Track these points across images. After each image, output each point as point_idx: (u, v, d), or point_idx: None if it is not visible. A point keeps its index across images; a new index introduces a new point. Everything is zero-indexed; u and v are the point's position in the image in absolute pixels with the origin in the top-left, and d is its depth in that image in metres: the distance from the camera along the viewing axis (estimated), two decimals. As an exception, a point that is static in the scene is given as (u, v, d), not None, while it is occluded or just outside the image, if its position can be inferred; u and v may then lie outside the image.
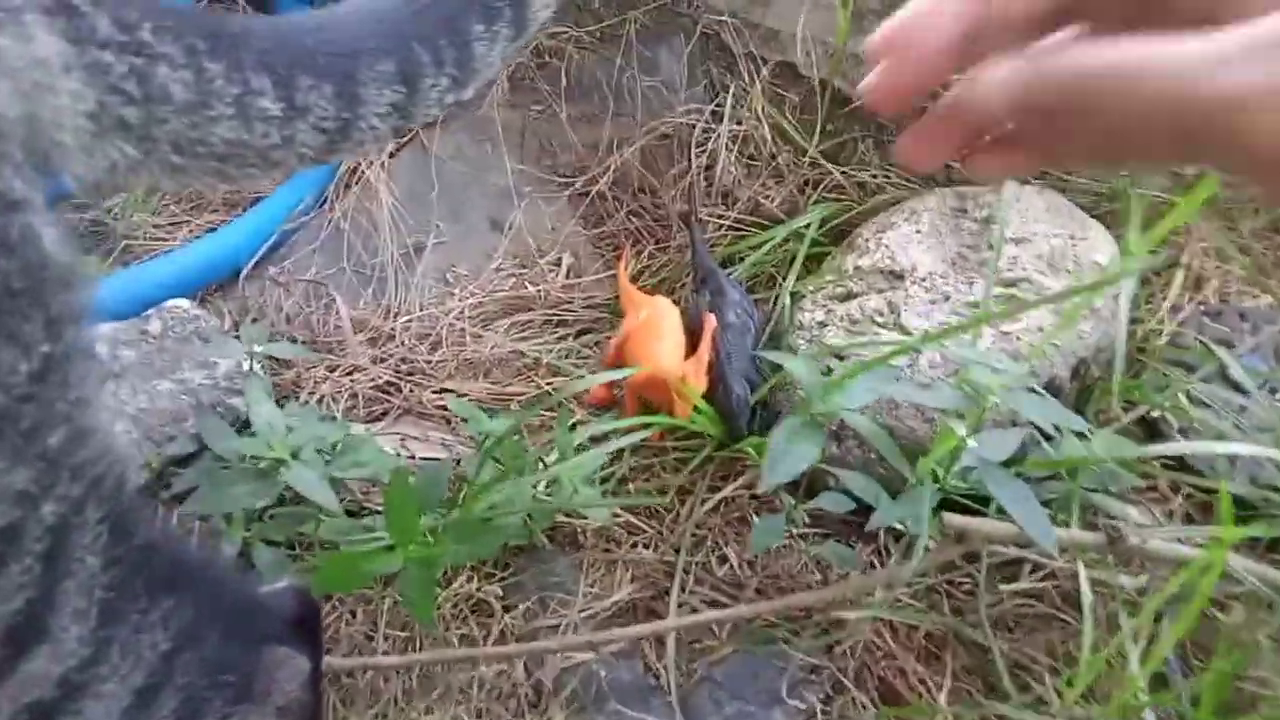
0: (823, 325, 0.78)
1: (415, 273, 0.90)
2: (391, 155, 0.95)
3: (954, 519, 0.65)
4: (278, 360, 0.77)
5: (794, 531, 0.71)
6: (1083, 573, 0.66)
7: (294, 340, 0.81)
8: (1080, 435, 0.68)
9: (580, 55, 1.02)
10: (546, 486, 0.67)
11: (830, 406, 0.61)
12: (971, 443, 0.60)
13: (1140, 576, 0.69)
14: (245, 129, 0.38)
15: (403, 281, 0.89)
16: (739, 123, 0.97)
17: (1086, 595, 0.66)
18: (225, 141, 0.37)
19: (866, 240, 0.84)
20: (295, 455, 0.61)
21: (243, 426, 0.73)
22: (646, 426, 0.67)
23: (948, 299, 0.76)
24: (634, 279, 0.89)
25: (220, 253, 0.84)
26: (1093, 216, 0.86)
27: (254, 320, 0.82)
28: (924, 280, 0.78)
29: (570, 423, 0.72)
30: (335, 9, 0.43)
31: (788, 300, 0.82)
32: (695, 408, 0.67)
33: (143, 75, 0.35)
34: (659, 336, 0.71)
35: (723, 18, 0.98)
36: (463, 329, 0.87)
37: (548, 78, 1.02)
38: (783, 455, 0.60)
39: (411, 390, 0.80)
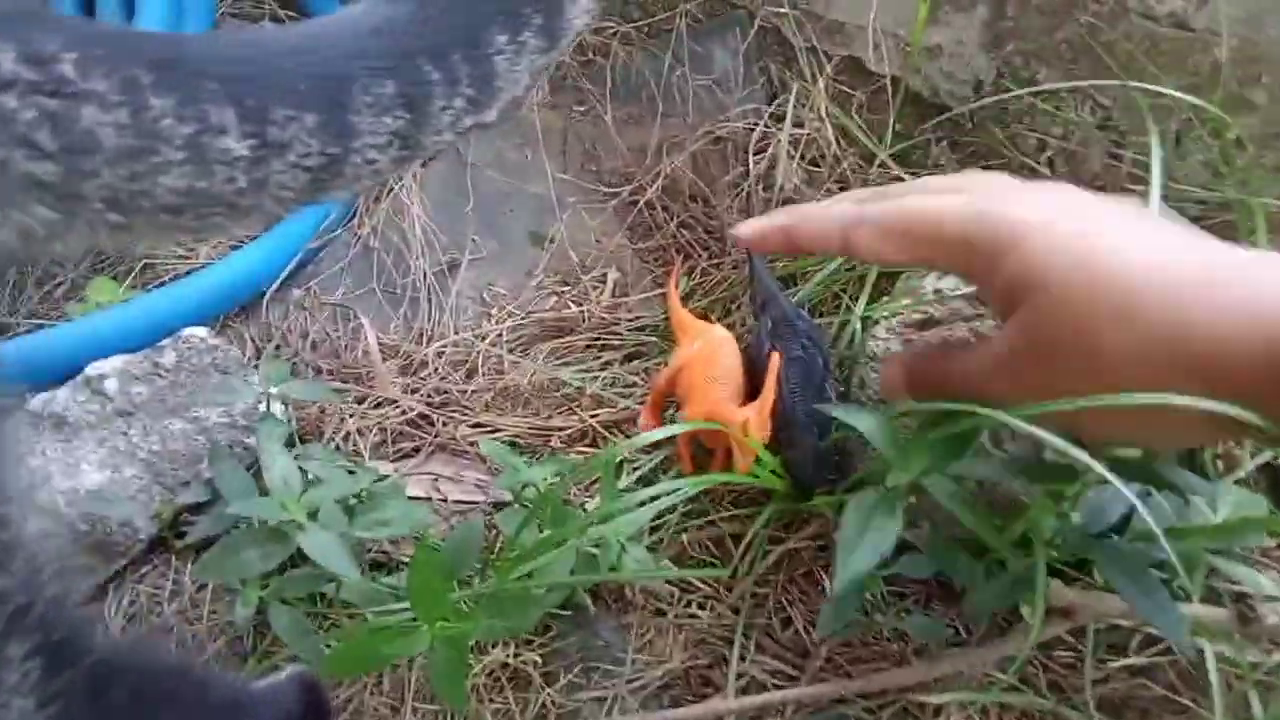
0: (892, 348, 0.70)
1: (450, 293, 0.83)
2: (424, 165, 0.89)
3: (1061, 592, 0.57)
4: (297, 398, 0.71)
5: (869, 596, 0.63)
6: (1209, 652, 0.58)
7: (319, 370, 0.75)
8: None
9: (626, 52, 0.94)
10: (592, 543, 0.61)
11: (910, 474, 0.53)
12: (1074, 515, 0.52)
13: (1274, 654, 0.60)
14: (203, 175, 0.31)
15: (436, 303, 0.82)
16: (800, 125, 0.89)
17: (1214, 678, 0.57)
18: (176, 192, 0.31)
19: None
20: (313, 515, 0.55)
21: (259, 469, 0.68)
22: (702, 480, 0.59)
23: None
24: (685, 299, 0.82)
25: (242, 275, 0.78)
26: (1203, 227, 0.76)
27: (276, 348, 0.76)
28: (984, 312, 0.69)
29: (616, 460, 0.65)
30: (326, 20, 0.36)
31: (858, 326, 0.74)
32: (757, 458, 0.59)
33: (60, 121, 0.28)
34: (714, 374, 0.64)
35: (782, 9, 0.89)
36: (500, 355, 0.80)
37: (591, 77, 0.95)
38: (857, 542, 0.52)
39: (445, 424, 0.74)
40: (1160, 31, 0.80)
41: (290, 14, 1.03)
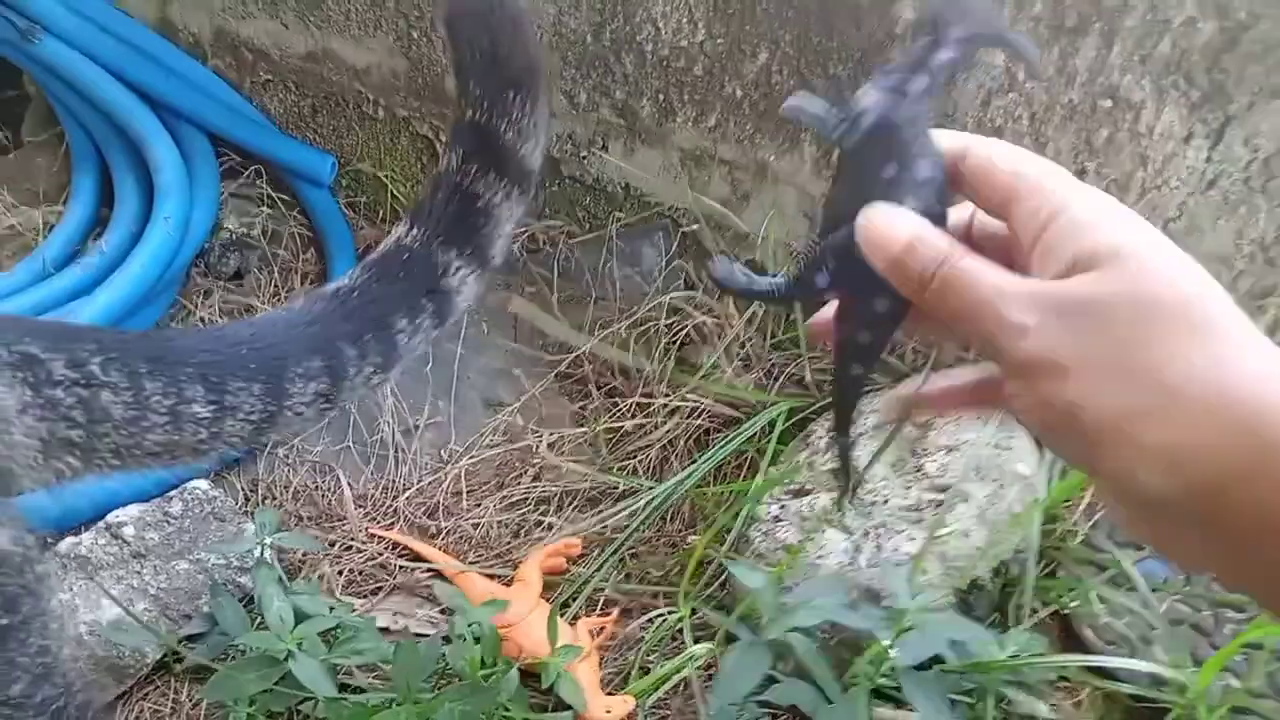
0: (778, 520, 0.90)
1: (412, 450, 1.02)
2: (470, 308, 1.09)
3: (883, 713, 0.76)
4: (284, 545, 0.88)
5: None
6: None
7: (300, 518, 0.92)
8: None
9: (569, 246, 1.17)
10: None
11: (780, 630, 0.73)
12: (893, 652, 0.72)
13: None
14: (177, 431, 0.50)
15: (401, 459, 1.01)
16: (710, 311, 1.11)
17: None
18: (158, 443, 0.50)
19: (820, 437, 0.97)
20: (300, 645, 0.72)
21: (249, 601, 0.84)
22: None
23: (886, 502, 0.88)
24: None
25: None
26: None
27: (264, 499, 0.93)
28: (866, 483, 0.90)
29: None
30: (277, 315, 0.56)
31: (754, 494, 0.94)
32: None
33: (88, 403, 0.47)
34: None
35: (698, 223, 1.13)
36: (455, 505, 0.98)
37: (540, 264, 1.17)
38: (733, 677, 0.71)
39: (402, 568, 0.91)
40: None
41: (284, 197, 1.24)
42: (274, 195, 1.23)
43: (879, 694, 0.78)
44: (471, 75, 0.59)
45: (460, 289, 0.60)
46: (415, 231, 0.59)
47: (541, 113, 0.60)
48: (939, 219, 0.37)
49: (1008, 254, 0.37)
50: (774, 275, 0.40)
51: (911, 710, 0.77)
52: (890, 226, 0.36)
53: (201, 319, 1.11)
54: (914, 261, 0.36)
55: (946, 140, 0.38)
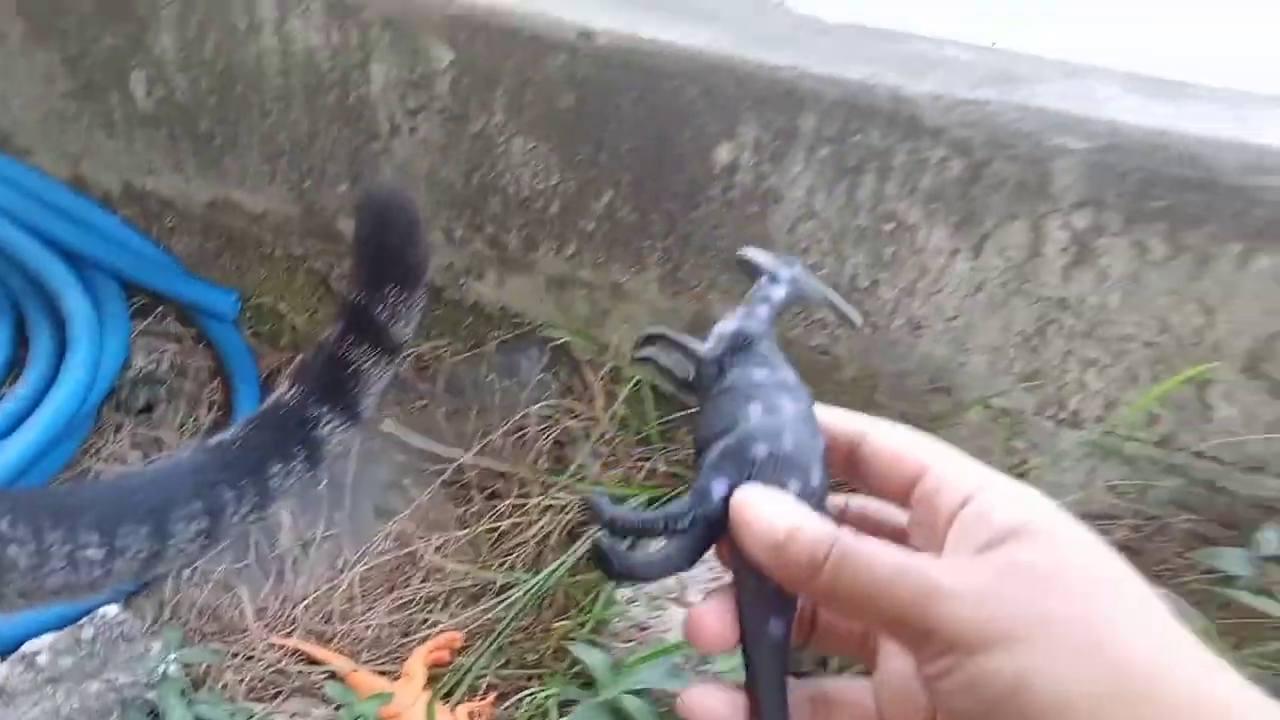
0: (632, 602, 1.03)
1: (309, 561, 1.12)
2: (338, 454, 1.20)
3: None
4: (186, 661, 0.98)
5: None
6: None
7: (204, 635, 1.02)
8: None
9: (453, 363, 1.30)
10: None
11: (612, 694, 0.85)
12: None
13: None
14: (74, 573, 0.61)
15: (299, 571, 1.11)
16: (577, 415, 1.25)
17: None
18: (58, 584, 0.61)
19: (672, 524, 1.10)
20: (202, 751, 0.82)
21: (157, 715, 0.93)
22: None
23: (721, 577, 1.02)
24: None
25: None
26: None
27: (171, 619, 1.03)
28: (706, 560, 1.04)
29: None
30: (164, 465, 0.69)
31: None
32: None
33: None
34: None
35: (568, 336, 1.28)
36: (351, 609, 1.09)
37: (426, 380, 1.30)
38: None
39: (300, 672, 1.01)
40: (810, 357, 1.22)
41: (191, 330, 1.36)
42: (181, 332, 1.35)
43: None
44: (362, 262, 0.73)
45: (330, 438, 0.72)
46: (293, 390, 0.72)
47: (416, 303, 0.74)
48: (814, 454, 0.36)
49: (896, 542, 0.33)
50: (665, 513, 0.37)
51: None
52: (767, 513, 0.33)
53: (112, 453, 1.21)
54: (800, 546, 0.32)
55: (839, 420, 0.37)
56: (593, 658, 0.87)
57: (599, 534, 0.36)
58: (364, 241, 0.72)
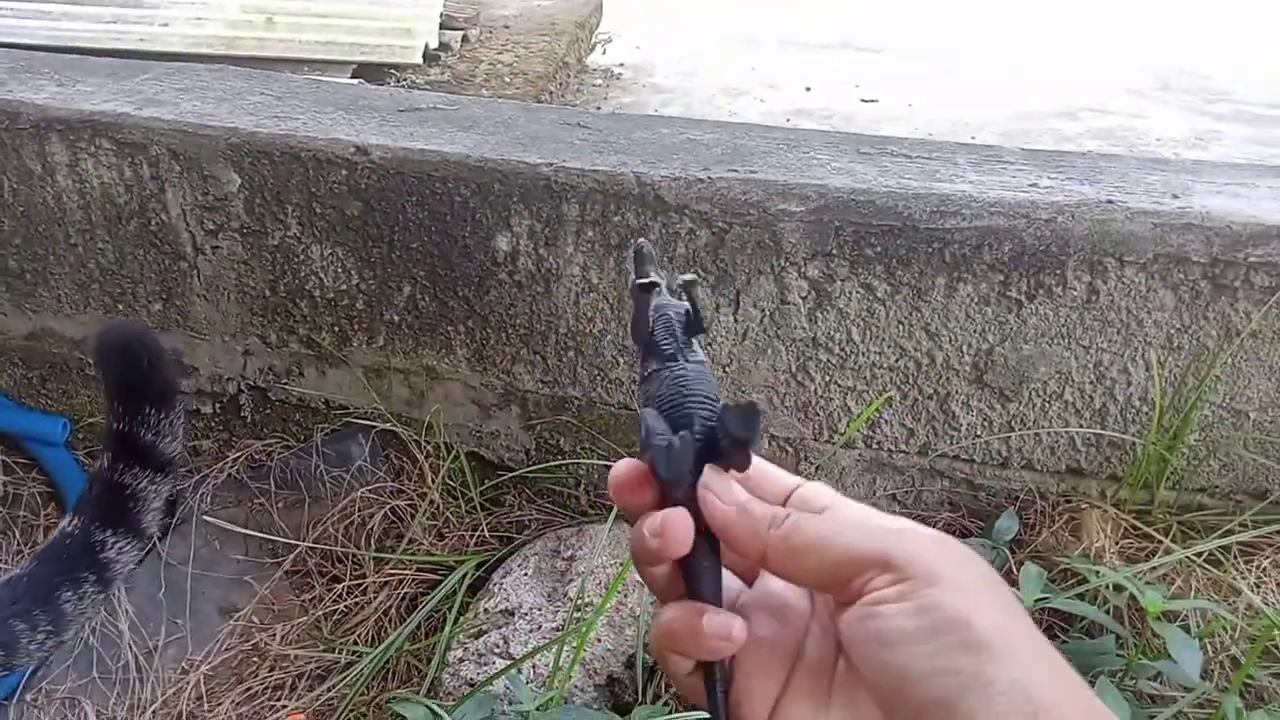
0: (461, 660, 1.15)
1: (154, 666, 1.21)
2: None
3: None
4: (36, 775, 1.05)
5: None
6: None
7: (50, 753, 1.09)
8: None
9: (284, 459, 1.41)
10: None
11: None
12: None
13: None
14: None
15: (144, 678, 1.19)
16: (406, 492, 1.37)
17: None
18: None
19: (494, 585, 1.23)
20: None
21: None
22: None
23: (540, 627, 1.16)
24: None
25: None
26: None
27: (15, 741, 1.10)
28: (527, 614, 1.17)
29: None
30: None
31: (444, 643, 1.19)
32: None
33: None
34: None
35: (391, 422, 1.40)
36: (200, 708, 1.18)
37: (261, 478, 1.40)
38: None
39: (151, 773, 1.10)
40: (610, 412, 1.37)
41: (20, 460, 1.42)
42: (11, 461, 1.41)
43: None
44: (114, 395, 0.84)
45: (119, 558, 0.83)
46: (76, 520, 0.82)
47: (177, 417, 0.85)
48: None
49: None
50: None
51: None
52: (729, 487, 0.41)
53: (-52, 589, 1.27)
54: (761, 507, 0.41)
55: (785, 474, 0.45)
56: (414, 713, 0.98)
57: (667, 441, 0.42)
58: (113, 374, 0.83)
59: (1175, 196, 1.21)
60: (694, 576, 0.43)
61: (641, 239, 0.53)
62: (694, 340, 0.46)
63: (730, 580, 0.45)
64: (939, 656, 0.35)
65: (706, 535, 0.42)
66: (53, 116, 1.29)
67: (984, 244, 1.19)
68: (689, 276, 0.47)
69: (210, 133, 1.27)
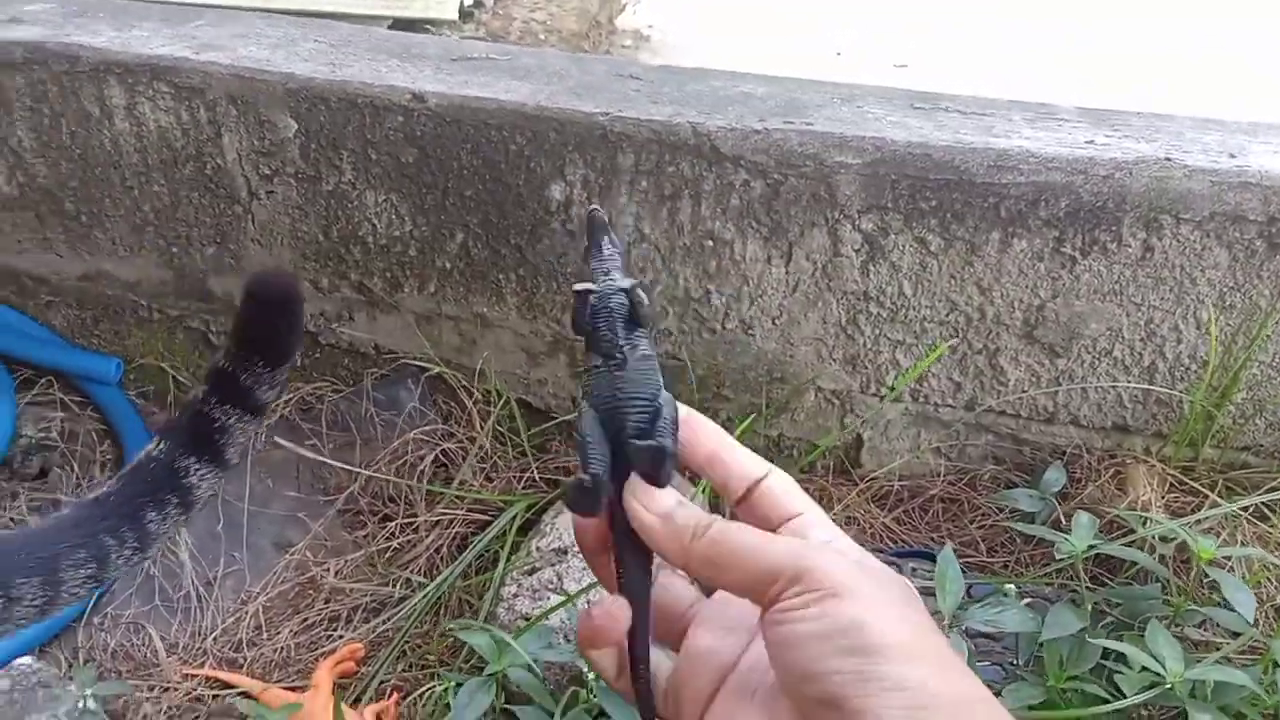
0: (515, 595, 1.20)
1: (214, 597, 1.26)
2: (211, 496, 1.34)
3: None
4: (104, 695, 1.11)
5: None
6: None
7: (119, 673, 1.15)
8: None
9: (334, 401, 1.46)
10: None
11: (498, 668, 1.02)
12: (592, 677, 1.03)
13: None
14: None
15: (205, 607, 1.25)
16: (455, 437, 1.42)
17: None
18: None
19: (545, 525, 1.28)
20: (127, 770, 0.96)
21: (82, 751, 1.06)
22: None
23: (592, 567, 1.20)
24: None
25: (54, 623, 1.18)
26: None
27: (85, 663, 1.16)
28: (579, 553, 1.22)
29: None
30: (49, 521, 0.83)
31: (498, 578, 1.24)
32: None
33: None
34: None
35: (440, 365, 1.44)
36: (258, 635, 1.23)
37: (311, 420, 1.45)
38: (465, 706, 1.00)
39: (215, 697, 1.15)
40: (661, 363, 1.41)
41: (77, 399, 1.48)
42: (68, 399, 1.47)
43: (603, 713, 1.08)
44: (237, 335, 0.88)
45: (200, 484, 0.87)
46: (162, 445, 0.87)
47: (280, 376, 0.89)
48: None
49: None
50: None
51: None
52: (653, 497, 0.45)
53: (11, 518, 1.33)
54: (685, 516, 0.44)
55: (752, 459, 0.48)
56: (478, 639, 1.03)
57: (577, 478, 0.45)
58: (245, 322, 0.87)
59: (1232, 155, 1.23)
60: (620, 575, 0.46)
61: (595, 205, 0.54)
62: (638, 331, 0.47)
63: (685, 590, 0.49)
64: (830, 658, 0.39)
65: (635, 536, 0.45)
66: (112, 60, 1.33)
67: (1040, 199, 1.22)
68: (630, 282, 0.48)
69: (268, 78, 1.30)
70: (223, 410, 0.87)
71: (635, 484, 0.45)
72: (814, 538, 0.45)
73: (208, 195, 1.40)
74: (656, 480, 0.45)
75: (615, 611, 0.46)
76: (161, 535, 0.85)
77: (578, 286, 0.48)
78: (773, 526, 0.46)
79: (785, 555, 0.42)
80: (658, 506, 0.45)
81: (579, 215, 1.32)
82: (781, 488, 0.47)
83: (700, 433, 0.48)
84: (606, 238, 0.50)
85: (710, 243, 1.31)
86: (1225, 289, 1.25)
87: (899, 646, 0.39)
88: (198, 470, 0.87)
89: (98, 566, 0.81)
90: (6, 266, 1.50)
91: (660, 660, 0.48)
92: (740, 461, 0.48)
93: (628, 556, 0.46)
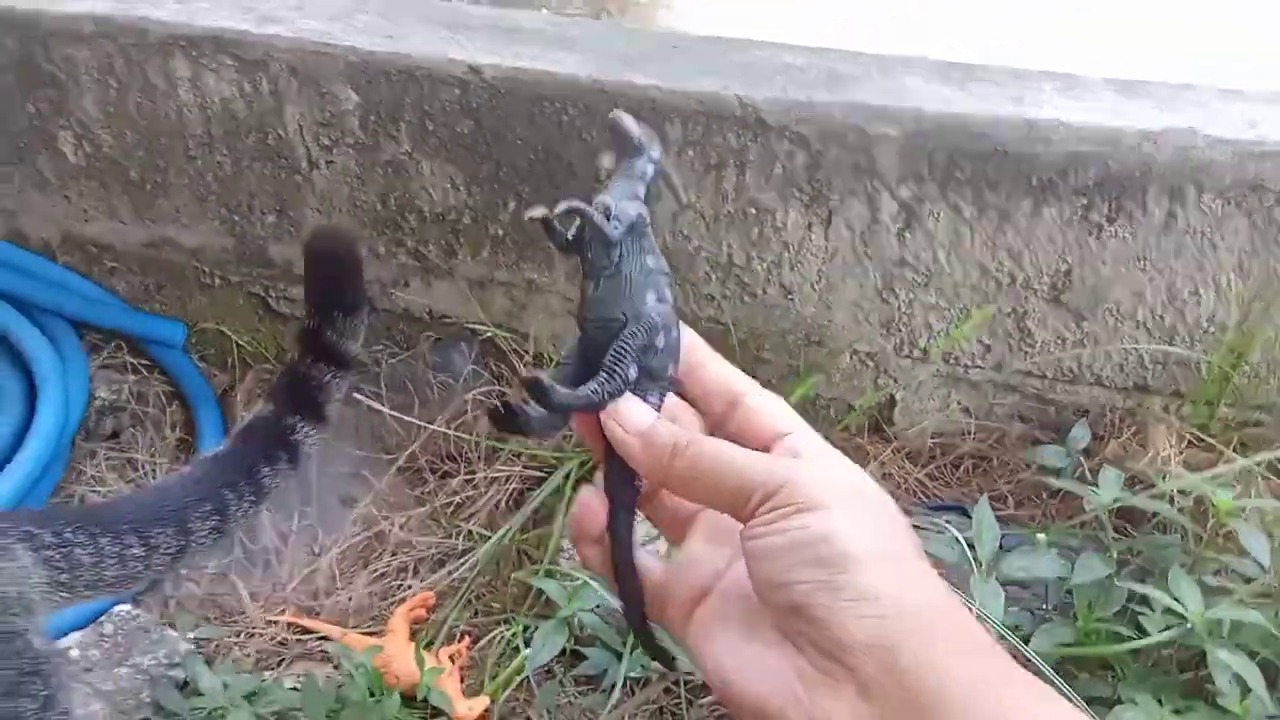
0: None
1: (289, 549, 1.35)
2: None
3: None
4: (201, 638, 1.20)
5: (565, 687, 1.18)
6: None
7: (208, 619, 1.24)
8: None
9: (391, 363, 1.53)
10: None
11: (569, 611, 1.12)
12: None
13: None
14: (123, 567, 0.83)
15: (282, 558, 1.34)
16: (504, 396, 1.50)
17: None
18: (113, 577, 0.82)
19: (598, 481, 1.36)
20: (232, 703, 1.05)
21: (181, 687, 1.15)
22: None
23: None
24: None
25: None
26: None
27: (177, 609, 1.25)
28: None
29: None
30: (174, 478, 0.91)
31: (558, 530, 1.33)
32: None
33: (68, 556, 0.79)
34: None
35: (494, 330, 1.51)
36: (333, 585, 1.32)
37: (369, 381, 1.53)
38: (541, 647, 1.09)
39: (298, 641, 1.25)
40: (703, 328, 1.48)
41: (144, 362, 1.55)
42: (136, 362, 1.54)
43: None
44: (313, 296, 0.96)
45: (305, 440, 0.95)
46: (270, 407, 0.95)
47: (359, 325, 0.96)
48: (681, 343, 0.45)
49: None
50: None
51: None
52: (635, 411, 0.45)
53: (92, 476, 1.41)
54: (663, 435, 0.44)
55: (736, 376, 0.48)
56: (549, 586, 1.12)
57: (506, 396, 0.46)
58: (314, 279, 0.95)
59: (1253, 126, 1.29)
60: (606, 477, 0.49)
61: (617, 110, 0.49)
62: (616, 250, 0.44)
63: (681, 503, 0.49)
64: (798, 568, 0.40)
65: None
66: (178, 33, 1.38)
67: (1070, 168, 1.28)
68: (608, 201, 0.45)
69: (330, 51, 1.35)
70: (316, 368, 0.95)
71: (619, 402, 0.45)
72: (805, 456, 0.45)
73: (269, 165, 1.46)
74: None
75: (589, 501, 0.49)
76: (273, 489, 0.94)
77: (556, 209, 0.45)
78: (762, 446, 0.46)
79: (763, 470, 0.42)
80: (633, 425, 0.45)
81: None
82: (768, 407, 0.47)
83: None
84: (641, 135, 0.47)
85: (753, 210, 1.37)
86: (1244, 255, 1.32)
87: (868, 559, 0.39)
88: (302, 428, 0.95)
89: (220, 518, 0.90)
90: (73, 234, 1.57)
91: (652, 564, 0.50)
92: (723, 377, 0.48)
93: (612, 460, 0.48)
